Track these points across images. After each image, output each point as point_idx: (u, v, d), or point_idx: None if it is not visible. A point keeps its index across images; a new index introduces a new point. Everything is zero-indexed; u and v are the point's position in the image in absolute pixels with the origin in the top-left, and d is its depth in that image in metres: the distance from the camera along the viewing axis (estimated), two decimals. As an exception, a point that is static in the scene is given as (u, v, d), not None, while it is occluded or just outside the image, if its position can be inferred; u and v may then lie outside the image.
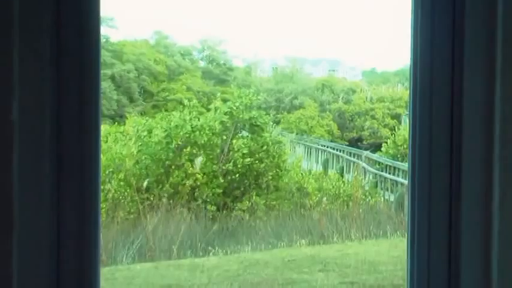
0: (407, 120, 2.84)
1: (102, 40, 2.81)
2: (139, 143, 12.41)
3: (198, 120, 12.64)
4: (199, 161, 12.15)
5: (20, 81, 2.65)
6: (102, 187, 2.74)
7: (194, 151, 12.25)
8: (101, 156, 2.94)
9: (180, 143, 12.32)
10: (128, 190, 11.85)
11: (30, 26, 2.69)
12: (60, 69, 2.73)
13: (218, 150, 12.52)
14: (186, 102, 13.06)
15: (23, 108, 2.67)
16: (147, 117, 13.07)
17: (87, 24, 2.77)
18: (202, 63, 14.35)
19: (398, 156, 12.77)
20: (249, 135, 12.88)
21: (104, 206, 8.68)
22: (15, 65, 2.60)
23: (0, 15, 2.56)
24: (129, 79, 13.50)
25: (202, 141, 12.33)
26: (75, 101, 2.73)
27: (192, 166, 12.17)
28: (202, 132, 12.44)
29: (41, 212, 2.75)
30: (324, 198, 12.88)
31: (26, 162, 2.70)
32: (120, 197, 11.57)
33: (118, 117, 12.92)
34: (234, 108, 12.91)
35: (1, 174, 2.62)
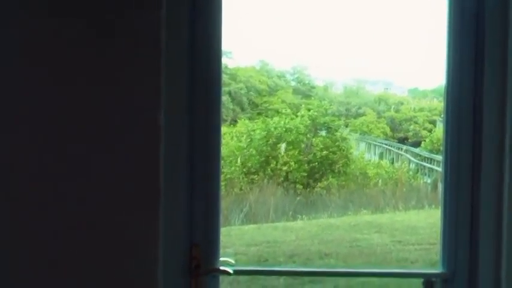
0: (442, 125, 2.81)
1: (223, 67, 2.84)
2: (248, 140, 12.49)
3: (289, 123, 12.69)
4: (283, 146, 12.25)
5: (165, 96, 2.67)
6: (222, 170, 2.77)
7: (286, 146, 12.33)
8: (221, 148, 2.95)
9: (275, 139, 12.37)
10: (240, 173, 11.92)
11: (174, 57, 2.72)
12: (193, 88, 2.76)
13: (303, 145, 12.51)
14: (281, 110, 13.09)
15: (168, 114, 2.70)
16: (253, 121, 13.13)
17: (213, 56, 2.80)
18: (293, 83, 14.26)
19: (434, 150, 12.59)
20: (326, 134, 12.87)
21: (223, 183, 8.67)
22: (163, 85, 2.62)
23: (153, 46, 2.59)
24: (241, 94, 13.47)
25: (291, 139, 12.38)
26: (203, 108, 2.75)
27: (282, 155, 12.27)
28: (291, 132, 12.49)
29: (179, 187, 2.79)
30: (380, 180, 12.81)
31: (169, 153, 2.73)
32: (234, 178, 11.62)
33: (233, 121, 12.95)
34: (313, 114, 12.94)
35: (151, 161, 2.66)
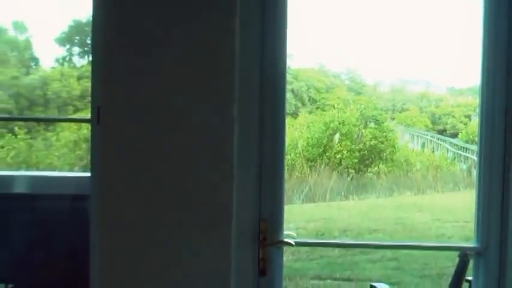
0: (476, 119, 2.79)
1: (287, 68, 2.83)
2: (308, 131, 12.52)
3: (342, 117, 12.70)
4: (337, 136, 12.26)
5: (240, 93, 2.69)
6: (286, 157, 2.75)
7: (340, 137, 12.33)
8: (285, 137, 2.96)
9: (331, 131, 12.38)
10: (301, 159, 11.95)
11: (247, 60, 2.74)
12: (263, 86, 2.77)
13: (355, 136, 12.48)
14: (336, 105, 13.11)
15: (240, 108, 2.72)
16: (312, 115, 13.18)
17: (279, 59, 2.80)
18: (346, 82, 14.23)
19: (469, 141, 12.47)
20: (374, 126, 12.84)
21: (287, 168, 8.70)
22: (236, 84, 2.64)
23: (228, 52, 2.61)
24: (302, 91, 13.44)
25: (345, 131, 12.37)
26: (271, 104, 2.76)
27: (337, 143, 12.28)
28: (344, 124, 12.49)
29: (250, 171, 2.80)
30: (422, 166, 12.75)
31: (242, 141, 2.75)
32: (296, 163, 11.65)
33: (295, 115, 12.95)
34: (364, 109, 12.92)
35: (226, 148, 2.68)
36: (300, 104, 13.40)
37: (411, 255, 8.28)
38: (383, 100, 13.82)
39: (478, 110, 2.84)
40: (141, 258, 2.91)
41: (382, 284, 4.87)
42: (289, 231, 2.99)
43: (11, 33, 13.00)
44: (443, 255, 7.67)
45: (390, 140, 12.63)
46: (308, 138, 12.24)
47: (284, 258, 3.02)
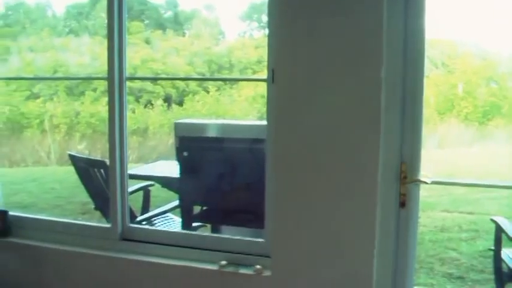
0: None
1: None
2: (438, 89, 12.25)
3: (467, 77, 12.31)
4: (460, 86, 11.96)
5: (386, 58, 2.60)
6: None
7: (466, 94, 12.00)
8: (423, 94, 2.86)
9: (460, 90, 12.07)
10: (433, 113, 11.74)
11: (393, 34, 2.64)
12: (405, 52, 2.67)
13: (479, 94, 12.08)
14: (463, 69, 12.70)
15: (387, 71, 2.64)
16: (444, 77, 12.85)
17: (418, 31, 2.68)
18: (473, 50, 13.72)
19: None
20: (496, 87, 12.36)
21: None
22: (384, 51, 2.56)
23: (376, 29, 2.52)
24: (436, 57, 13.06)
25: (469, 90, 12.03)
26: (412, 66, 2.68)
27: (463, 101, 11.92)
28: (468, 84, 12.13)
29: (394, 122, 2.74)
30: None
31: (388, 97, 2.67)
32: (429, 116, 11.45)
33: (429, 77, 12.64)
34: (487, 72, 12.50)
35: (374, 104, 2.62)
36: (433, 67, 13.01)
37: (523, 196, 7.94)
38: (503, 66, 13.25)
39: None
40: (304, 188, 2.94)
41: (500, 217, 4.64)
42: (425, 172, 2.92)
43: (204, 13, 13.43)
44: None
45: (508, 98, 12.12)
46: (440, 95, 11.95)
47: (420, 194, 2.95)
